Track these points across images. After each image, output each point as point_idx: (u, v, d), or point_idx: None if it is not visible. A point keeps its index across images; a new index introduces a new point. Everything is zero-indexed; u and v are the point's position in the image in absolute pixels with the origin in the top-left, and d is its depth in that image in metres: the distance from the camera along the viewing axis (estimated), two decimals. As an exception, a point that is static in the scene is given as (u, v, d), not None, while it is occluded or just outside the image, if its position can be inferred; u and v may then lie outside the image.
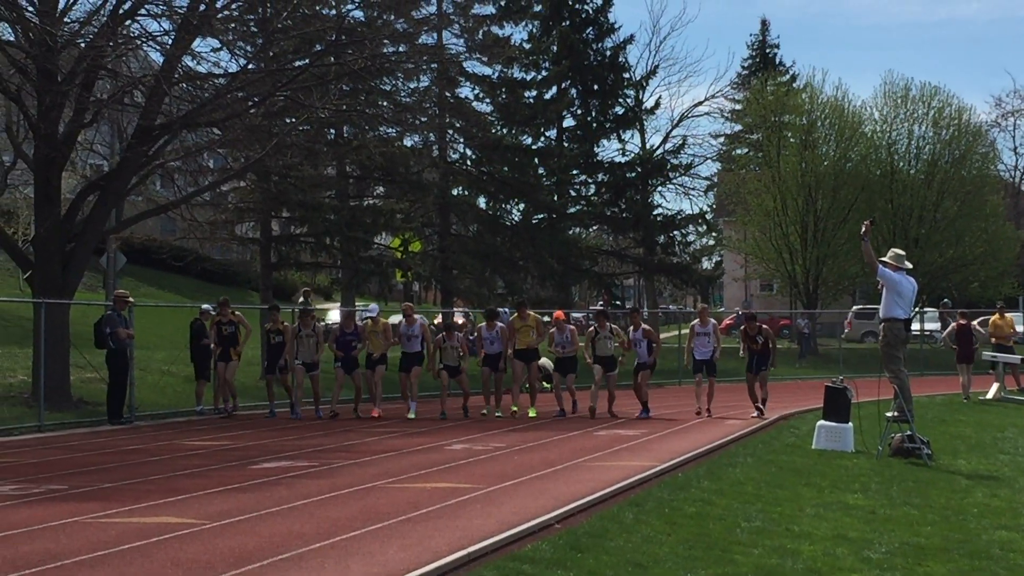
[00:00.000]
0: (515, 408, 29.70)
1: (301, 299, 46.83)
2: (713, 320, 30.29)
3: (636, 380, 29.57)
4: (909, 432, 20.52)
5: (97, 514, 14.16)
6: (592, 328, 30.23)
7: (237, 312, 30.27)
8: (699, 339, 29.61)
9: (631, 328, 30.12)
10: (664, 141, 68.02)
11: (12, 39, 30.17)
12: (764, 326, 29.79)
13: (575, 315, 53.43)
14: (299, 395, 29.94)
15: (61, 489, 16.41)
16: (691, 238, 69.95)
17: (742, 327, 30.13)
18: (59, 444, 23.11)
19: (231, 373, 29.95)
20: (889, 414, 20.88)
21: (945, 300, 68.04)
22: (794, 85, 74.33)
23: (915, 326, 47.96)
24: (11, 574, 10.74)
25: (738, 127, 78.42)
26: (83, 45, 29.48)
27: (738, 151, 78.70)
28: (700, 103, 73.65)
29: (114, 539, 12.45)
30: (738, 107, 76.74)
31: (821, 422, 22.04)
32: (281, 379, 30.12)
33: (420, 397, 30.49)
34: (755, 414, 28.51)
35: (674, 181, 67.40)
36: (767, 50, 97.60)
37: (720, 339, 30.75)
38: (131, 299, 29.10)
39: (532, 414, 29.28)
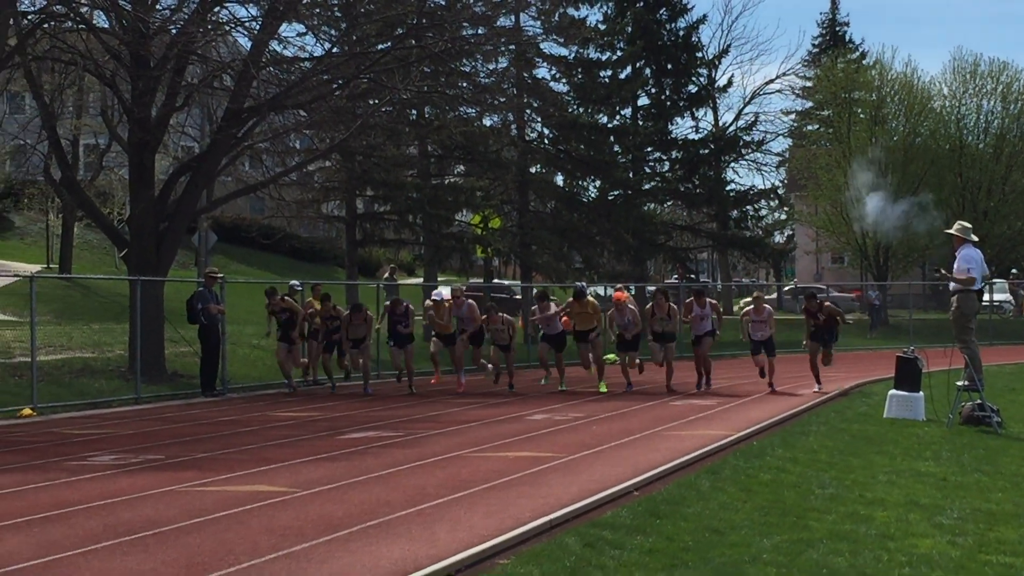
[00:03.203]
0: (603, 385, 28.82)
1: (387, 275, 46.98)
2: (768, 307, 29.03)
3: (699, 350, 28.74)
4: (979, 401, 20.35)
5: (193, 483, 14.28)
6: (650, 307, 29.33)
7: (287, 298, 29.37)
8: (754, 325, 28.41)
9: (695, 305, 28.91)
10: (736, 118, 68.05)
11: (107, 26, 30.37)
12: (827, 303, 28.81)
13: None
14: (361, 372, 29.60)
15: (158, 459, 16.54)
16: (763, 212, 69.84)
17: (803, 307, 29.37)
18: (155, 416, 23.31)
19: (295, 356, 29.42)
20: (959, 383, 20.71)
21: (1014, 271, 67.43)
22: (864, 62, 73.84)
23: (984, 297, 47.42)
24: (113, 540, 10.85)
25: (809, 104, 78.00)
26: (174, 31, 29.64)
27: (809, 127, 78.28)
28: (771, 81, 73.98)
29: (210, 507, 12.54)
30: (809, 84, 76.43)
31: (893, 391, 21.89)
32: (339, 361, 30.31)
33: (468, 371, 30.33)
34: (816, 388, 27.55)
35: (746, 157, 67.35)
36: (837, 28, 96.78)
37: (774, 323, 29.03)
38: (221, 276, 29.27)
39: (603, 389, 28.46)
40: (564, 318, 29.05)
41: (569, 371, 29.85)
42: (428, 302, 30.67)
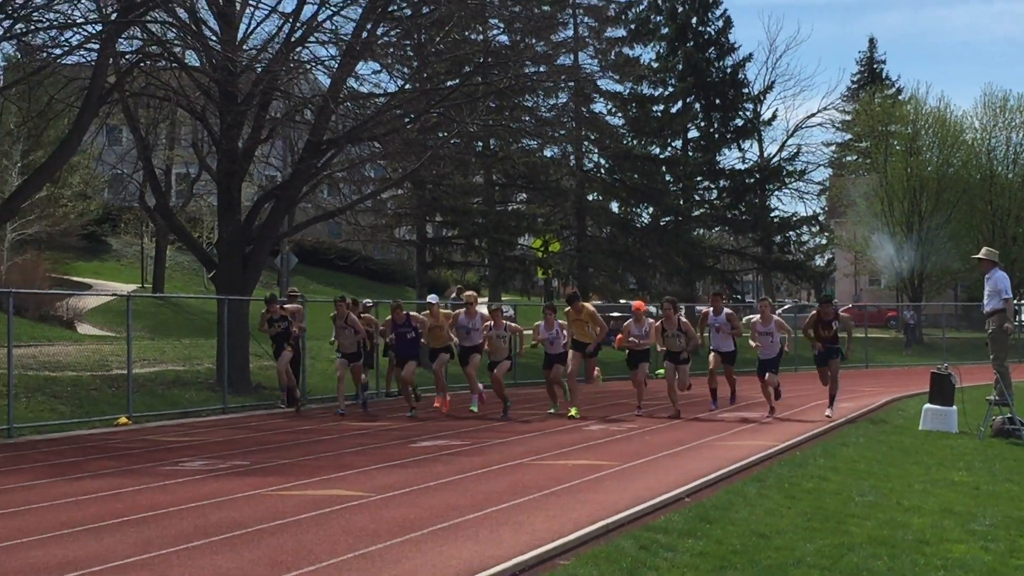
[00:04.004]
0: (553, 410, 25.21)
1: (454, 295, 47.06)
2: (777, 317, 25.16)
3: (719, 369, 25.23)
4: (1009, 415, 20.21)
5: (276, 487, 14.33)
6: (659, 323, 24.88)
7: (287, 306, 27.20)
8: (762, 339, 24.10)
9: (710, 311, 25.33)
10: (780, 149, 67.52)
11: (198, 65, 30.61)
12: (843, 312, 25.35)
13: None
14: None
15: (244, 464, 16.61)
16: (805, 238, 69.52)
17: (813, 312, 24.52)
18: (241, 424, 23.41)
19: (283, 364, 26.30)
20: (990, 398, 20.59)
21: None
22: (900, 97, 73.51)
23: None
24: (203, 540, 10.90)
25: (848, 136, 77.51)
26: (260, 70, 29.83)
27: (848, 158, 77.92)
28: (813, 115, 73.33)
29: (292, 509, 12.57)
30: (848, 118, 75.97)
31: (927, 405, 21.76)
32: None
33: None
34: (828, 412, 23.69)
35: (789, 186, 66.89)
36: (874, 66, 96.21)
37: (790, 331, 26.11)
38: (301, 295, 29.45)
39: (574, 413, 24.28)
40: (563, 335, 25.25)
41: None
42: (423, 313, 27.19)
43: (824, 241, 74.92)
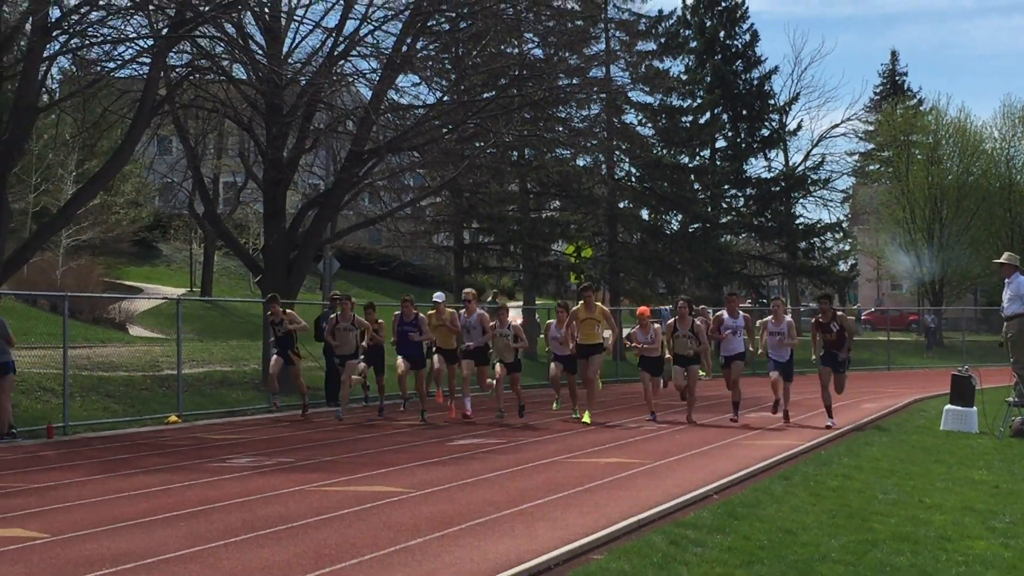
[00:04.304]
0: (576, 415, 23.42)
1: (490, 299, 47.05)
2: (790, 317, 22.87)
3: (728, 375, 23.09)
4: (1027, 415, 20.11)
5: (319, 483, 14.36)
6: (672, 322, 23.16)
7: (289, 311, 25.34)
8: (772, 339, 22.32)
9: (724, 314, 23.25)
10: (805, 159, 67.23)
11: (245, 78, 30.74)
12: (840, 312, 23.05)
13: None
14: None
15: (289, 462, 16.66)
16: (829, 244, 69.40)
17: (813, 319, 22.57)
18: (286, 423, 23.46)
19: (294, 375, 25.03)
20: (1009, 399, 20.47)
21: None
22: (921, 108, 73.28)
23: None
24: (250, 534, 10.93)
25: (871, 146, 77.22)
26: (304, 82, 29.93)
27: (871, 167, 77.65)
28: (837, 125, 73.09)
29: (335, 505, 12.60)
30: (871, 128, 75.67)
31: (948, 406, 21.65)
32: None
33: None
34: (828, 422, 21.71)
35: (814, 194, 66.66)
36: (896, 78, 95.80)
37: (796, 341, 22.69)
38: (345, 297, 29.49)
39: (586, 419, 22.56)
40: (571, 345, 23.01)
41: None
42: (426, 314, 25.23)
43: (847, 247, 74.81)
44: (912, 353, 56.14)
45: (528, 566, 9.48)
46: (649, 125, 58.49)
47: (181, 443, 19.49)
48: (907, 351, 56.32)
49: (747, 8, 66.06)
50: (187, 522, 11.64)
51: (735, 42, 65.57)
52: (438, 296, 24.77)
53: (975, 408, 21.26)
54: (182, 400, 24.41)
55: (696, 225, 60.17)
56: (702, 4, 64.97)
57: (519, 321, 26.66)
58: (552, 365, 24.11)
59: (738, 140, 65.00)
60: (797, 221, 65.61)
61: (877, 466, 15.98)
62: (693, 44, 63.64)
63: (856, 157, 77.81)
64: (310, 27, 31.39)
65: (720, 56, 64.31)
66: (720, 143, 64.79)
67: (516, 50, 39.61)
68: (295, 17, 31.29)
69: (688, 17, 64.28)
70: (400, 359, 23.84)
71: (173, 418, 23.15)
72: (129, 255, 61.14)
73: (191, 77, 29.61)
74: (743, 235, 68.43)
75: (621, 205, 55.86)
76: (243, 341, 37.78)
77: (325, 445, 18.90)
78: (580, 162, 51.46)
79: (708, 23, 64.84)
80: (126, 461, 16.89)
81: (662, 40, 57.88)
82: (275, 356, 24.94)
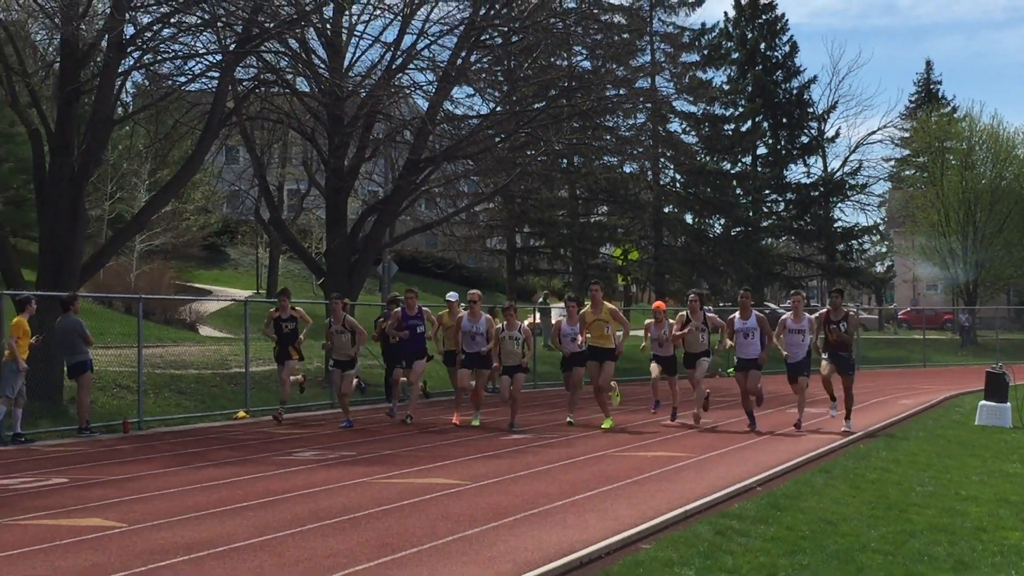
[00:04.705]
0: (571, 420, 21.22)
1: (540, 299, 47.07)
2: (809, 315, 20.58)
3: (744, 384, 20.18)
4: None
5: (380, 476, 14.41)
6: (682, 316, 21.07)
7: (298, 308, 23.60)
8: (791, 337, 19.96)
9: (736, 317, 20.38)
10: (843, 165, 66.87)
11: (308, 91, 30.89)
12: (851, 311, 20.54)
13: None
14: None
15: (351, 455, 16.72)
16: (866, 246, 69.25)
17: (819, 312, 20.31)
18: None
19: (287, 373, 22.97)
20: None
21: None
22: (955, 116, 72.57)
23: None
24: (316, 523, 10.99)
25: (906, 152, 76.58)
26: (364, 94, 30.03)
27: (906, 172, 77.02)
28: (873, 132, 72.83)
29: (395, 496, 12.64)
30: (906, 135, 75.06)
31: (983, 402, 21.55)
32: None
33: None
34: (844, 427, 19.79)
35: (851, 198, 66.31)
36: (931, 86, 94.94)
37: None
38: (399, 296, 29.57)
39: (607, 425, 20.35)
40: (580, 340, 20.62)
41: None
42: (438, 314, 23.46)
43: (884, 249, 74.41)
44: (947, 351, 55.63)
45: (580, 555, 9.49)
46: (693, 133, 58.53)
47: (249, 437, 19.61)
48: (942, 349, 55.82)
49: (787, 21, 65.89)
50: (256, 512, 11.72)
51: (775, 53, 65.34)
52: (451, 296, 23.38)
53: (1009, 404, 21.16)
54: (250, 396, 24.53)
55: (738, 228, 60.09)
56: (743, 17, 64.78)
57: (527, 322, 24.91)
58: (566, 375, 21.67)
59: (778, 147, 64.74)
60: (835, 224, 65.35)
61: (914, 460, 15.90)
62: (735, 55, 63.49)
63: (892, 163, 77.21)
64: (370, 42, 31.73)
65: (761, 67, 64.11)
66: (761, 150, 64.56)
67: (565, 62, 39.69)
68: (356, 32, 31.45)
69: (730, 29, 64.12)
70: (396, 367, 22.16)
71: (241, 413, 23.28)
72: (199, 259, 61.43)
73: (257, 90, 29.76)
74: (783, 238, 68.20)
75: (666, 210, 55.87)
76: (307, 340, 37.88)
77: (385, 440, 18.95)
78: (627, 169, 51.50)
79: (749, 35, 64.63)
80: (198, 454, 17.01)
81: (705, 52, 57.94)
82: (290, 360, 22.97)
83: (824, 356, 19.99)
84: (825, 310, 20.14)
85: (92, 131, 23.57)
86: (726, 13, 65.09)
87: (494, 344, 20.78)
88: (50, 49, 27.83)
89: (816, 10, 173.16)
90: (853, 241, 66.22)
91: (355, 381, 22.67)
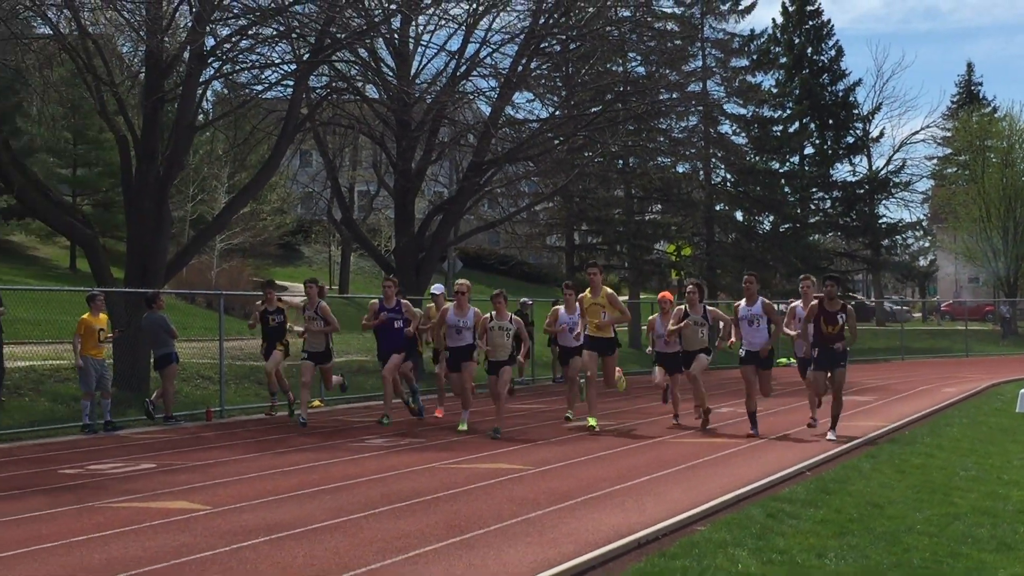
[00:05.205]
0: (569, 415, 19.56)
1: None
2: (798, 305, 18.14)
3: (758, 381, 17.48)
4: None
5: (448, 461, 14.46)
6: (680, 309, 18.24)
7: (284, 298, 22.05)
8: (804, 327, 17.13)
9: (742, 303, 17.58)
10: (887, 163, 66.25)
11: (377, 96, 31.04)
12: (847, 303, 16.79)
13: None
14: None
15: (420, 442, 16.78)
16: (910, 241, 68.58)
17: (814, 301, 16.83)
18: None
19: (273, 364, 20.96)
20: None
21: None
22: (995, 115, 71.76)
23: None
24: (387, 506, 11.04)
25: (948, 150, 75.83)
26: (430, 100, 30.14)
27: (948, 170, 76.26)
28: (917, 132, 72.33)
29: (462, 480, 12.69)
30: (948, 134, 74.30)
31: (1023, 390, 21.27)
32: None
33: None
34: (831, 436, 16.46)
35: (896, 195, 65.74)
36: (972, 87, 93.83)
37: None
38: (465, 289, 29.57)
39: (592, 423, 17.84)
40: (577, 331, 18.35)
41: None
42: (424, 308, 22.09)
43: (927, 244, 73.76)
44: (988, 341, 54.99)
45: (638, 536, 9.49)
46: (743, 134, 58.22)
47: (324, 425, 19.70)
48: (984, 339, 55.19)
49: (832, 26, 65.46)
50: (332, 495, 11.80)
51: (822, 57, 64.91)
52: (436, 288, 21.29)
53: (1050, 391, 20.91)
54: (322, 386, 24.63)
55: (786, 225, 59.70)
56: (791, 23, 64.43)
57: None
58: (567, 368, 19.59)
59: (825, 147, 64.29)
60: (880, 220, 64.84)
61: (957, 445, 15.74)
62: (783, 60, 63.11)
63: (935, 161, 76.47)
64: (435, 50, 31.90)
65: (808, 70, 63.72)
66: (808, 150, 64.11)
67: (621, 68, 39.57)
68: (422, 42, 31.68)
69: (778, 35, 63.79)
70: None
71: (317, 403, 23.34)
72: (275, 257, 61.82)
73: (330, 97, 29.97)
74: (830, 234, 67.66)
75: (717, 208, 55.63)
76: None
77: (452, 427, 18.98)
78: (680, 169, 51.24)
79: (797, 40, 64.27)
80: (277, 441, 17.13)
81: (754, 57, 57.64)
82: (275, 352, 21.01)
83: (812, 355, 16.77)
84: (817, 301, 16.58)
85: (175, 137, 23.80)
86: (774, 20, 64.89)
87: (482, 338, 17.87)
88: (136, 60, 28.09)
89: (860, 16, 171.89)
90: (897, 236, 65.82)
91: (337, 379, 20.96)
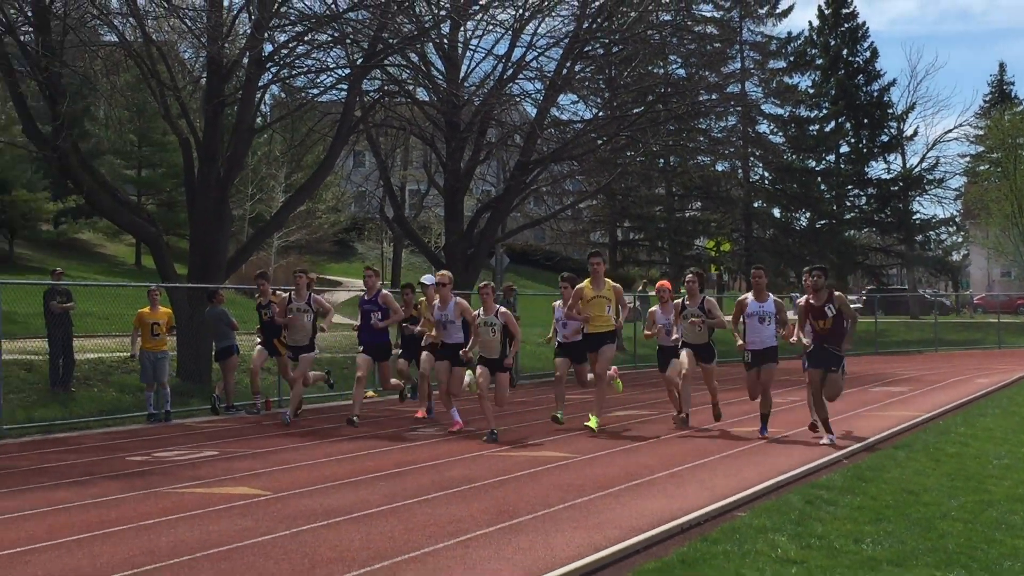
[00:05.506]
0: (592, 423, 16.06)
1: (640, 288, 46.93)
2: (839, 294, 14.80)
3: (759, 379, 15.56)
4: None
5: (496, 449, 14.47)
6: (679, 303, 16.29)
7: (279, 292, 19.83)
8: (814, 318, 14.67)
9: (749, 297, 15.55)
10: (921, 161, 65.77)
11: (427, 100, 31.13)
12: (837, 292, 14.74)
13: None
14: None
15: (470, 431, 16.75)
16: (943, 236, 67.95)
17: (801, 299, 15.04)
18: (469, 397, 23.53)
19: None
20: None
21: None
22: (1027, 114, 71.07)
23: None
24: (439, 492, 11.06)
25: (981, 148, 75.14)
26: (478, 103, 30.18)
27: (981, 167, 75.56)
28: (950, 131, 71.44)
29: (510, 468, 12.70)
30: (981, 133, 73.61)
31: (1056, 381, 21.07)
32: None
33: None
34: (824, 440, 14.61)
35: (929, 192, 65.28)
36: (1004, 87, 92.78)
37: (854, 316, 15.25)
38: (512, 286, 29.67)
39: (592, 424, 15.86)
40: (581, 316, 15.91)
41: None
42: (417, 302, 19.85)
43: (960, 239, 73.14)
44: (1020, 333, 54.34)
45: (680, 521, 9.47)
46: (780, 134, 58.12)
47: (378, 415, 19.75)
48: (1016, 332, 54.57)
49: (867, 28, 65.05)
50: (386, 482, 11.85)
51: (857, 59, 64.49)
52: (427, 279, 18.36)
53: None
54: (377, 378, 24.69)
55: (823, 221, 59.52)
56: (827, 26, 64.05)
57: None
58: (557, 362, 16.87)
59: (860, 146, 63.91)
60: (914, 217, 64.44)
61: (991, 435, 15.59)
62: (819, 61, 62.81)
63: (967, 159, 75.84)
64: (483, 54, 31.78)
65: (843, 71, 63.34)
66: (844, 148, 63.78)
67: (662, 70, 39.47)
68: (470, 46, 31.64)
69: (814, 37, 63.45)
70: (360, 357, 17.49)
71: (371, 393, 23.42)
72: (330, 253, 62.12)
73: (382, 100, 30.08)
74: (865, 230, 67.32)
75: (756, 205, 55.58)
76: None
77: (499, 416, 18.91)
78: (719, 167, 51.24)
79: (832, 42, 63.87)
80: (333, 430, 17.19)
81: (791, 58, 57.55)
82: (258, 347, 19.64)
83: (805, 352, 15.06)
84: (807, 297, 14.71)
85: (235, 139, 23.95)
86: (810, 22, 64.66)
87: (473, 331, 15.93)
88: (197, 66, 28.33)
89: (895, 18, 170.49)
90: (931, 232, 65.32)
91: (318, 373, 19.73)
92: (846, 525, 9.32)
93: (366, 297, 17.17)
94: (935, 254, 66.00)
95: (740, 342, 15.56)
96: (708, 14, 46.02)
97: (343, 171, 50.92)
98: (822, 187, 60.06)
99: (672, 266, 50.36)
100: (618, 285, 16.14)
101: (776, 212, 57.87)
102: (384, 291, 17.15)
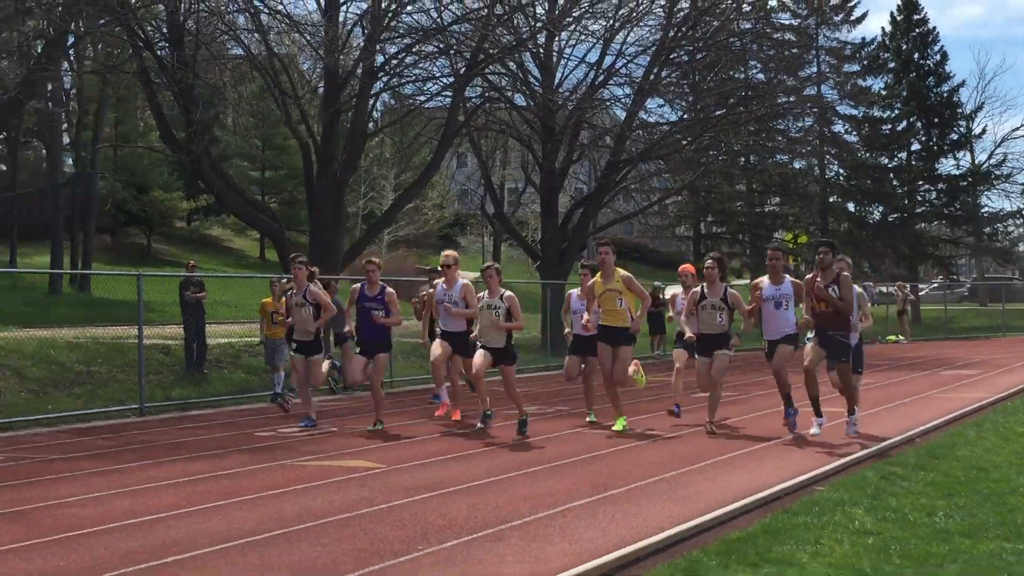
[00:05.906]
0: (591, 418, 14.98)
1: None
2: (857, 288, 13.75)
3: (772, 366, 13.27)
4: None
5: (588, 427, 14.52)
6: (698, 290, 13.83)
7: (282, 279, 18.45)
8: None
9: (766, 281, 13.33)
10: (989, 157, 64.21)
11: (525, 104, 31.18)
12: (844, 272, 13.02)
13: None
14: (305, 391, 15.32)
15: (565, 409, 16.85)
16: (1011, 228, 66.49)
17: (808, 276, 13.22)
18: (559, 379, 23.51)
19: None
20: None
21: None
22: (1091, 112, 69.29)
23: None
24: (537, 467, 11.12)
25: (1047, 145, 73.57)
26: (571, 107, 30.16)
27: (1047, 163, 73.95)
28: (1017, 128, 69.79)
29: (601, 444, 12.72)
30: (1047, 130, 72.03)
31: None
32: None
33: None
34: (812, 429, 13.18)
35: (997, 187, 63.77)
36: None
37: (867, 314, 14.58)
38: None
39: (619, 427, 13.92)
40: (585, 317, 14.22)
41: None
42: (425, 290, 17.54)
43: (1027, 231, 71.63)
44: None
45: (763, 495, 9.43)
46: (854, 133, 57.25)
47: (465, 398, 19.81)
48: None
49: (937, 33, 63.62)
50: (489, 457, 11.94)
51: (927, 61, 63.15)
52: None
53: None
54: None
55: (895, 215, 58.50)
56: (899, 31, 62.87)
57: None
58: (567, 359, 15.24)
59: (930, 143, 62.63)
60: (982, 210, 63.07)
61: (1059, 415, 15.27)
62: (891, 64, 61.62)
63: (1034, 155, 74.22)
64: (576, 62, 31.81)
65: (914, 74, 62.09)
66: (915, 146, 62.46)
67: (743, 75, 39.05)
68: (564, 55, 31.67)
69: (887, 42, 62.26)
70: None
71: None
72: (435, 247, 62.39)
73: (483, 106, 30.21)
74: (935, 223, 66.07)
75: (831, 200, 54.85)
76: (525, 314, 38.05)
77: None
78: (796, 165, 50.64)
79: (904, 47, 62.64)
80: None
81: (865, 62, 56.70)
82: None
83: (809, 337, 13.25)
84: (813, 275, 13.10)
85: (350, 144, 24.23)
86: (883, 28, 63.20)
87: (472, 313, 14.21)
88: (315, 76, 28.66)
89: (964, 23, 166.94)
90: (999, 224, 63.99)
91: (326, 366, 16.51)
92: (919, 499, 9.21)
93: (367, 294, 14.28)
94: (1003, 245, 64.72)
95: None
96: (786, 22, 45.41)
97: (448, 171, 51.23)
98: (894, 183, 59.00)
99: (752, 258, 49.91)
100: (628, 274, 13.95)
101: (851, 207, 57.09)
102: (389, 288, 14.50)
